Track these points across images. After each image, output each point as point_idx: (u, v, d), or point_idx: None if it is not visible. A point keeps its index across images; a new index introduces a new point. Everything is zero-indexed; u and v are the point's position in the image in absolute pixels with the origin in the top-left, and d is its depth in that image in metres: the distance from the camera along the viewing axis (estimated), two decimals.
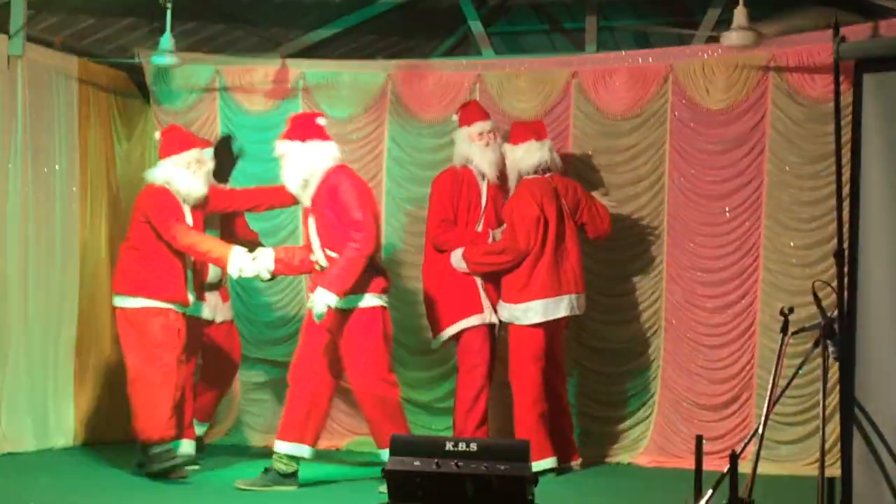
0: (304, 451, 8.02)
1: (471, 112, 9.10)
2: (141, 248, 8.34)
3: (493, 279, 8.85)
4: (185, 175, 8.38)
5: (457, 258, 8.86)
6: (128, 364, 8.37)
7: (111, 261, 10.18)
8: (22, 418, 9.31)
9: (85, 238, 9.97)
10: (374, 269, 8.01)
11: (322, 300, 7.78)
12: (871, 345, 5.70)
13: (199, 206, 8.54)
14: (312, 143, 8.10)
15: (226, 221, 9.16)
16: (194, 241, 8.21)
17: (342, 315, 7.90)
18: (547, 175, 8.89)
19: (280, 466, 8.02)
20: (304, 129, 8.16)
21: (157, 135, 8.82)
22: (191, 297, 8.52)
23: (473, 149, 8.95)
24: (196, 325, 8.77)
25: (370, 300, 7.94)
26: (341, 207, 7.90)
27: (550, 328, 8.82)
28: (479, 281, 8.85)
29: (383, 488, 7.81)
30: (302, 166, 8.04)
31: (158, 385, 8.23)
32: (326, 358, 8.00)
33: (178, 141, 8.56)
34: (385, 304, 8.04)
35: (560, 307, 8.78)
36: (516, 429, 8.77)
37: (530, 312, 8.72)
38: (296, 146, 8.09)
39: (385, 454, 7.95)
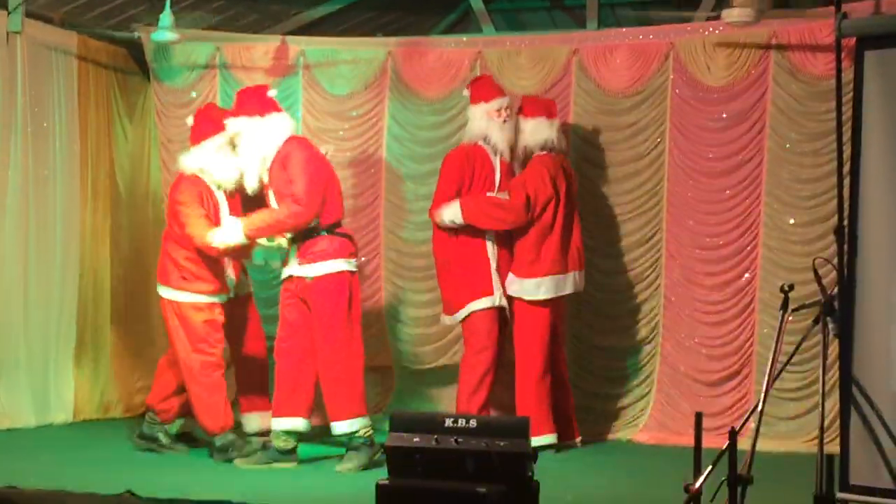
0: (298, 423, 8.04)
1: (487, 88, 8.99)
2: (178, 240, 8.28)
3: (506, 258, 8.82)
4: (218, 160, 8.30)
5: (451, 211, 8.77)
6: (177, 352, 8.34)
7: (112, 238, 10.20)
8: (22, 394, 9.33)
9: (86, 215, 9.97)
10: (341, 235, 8.06)
11: (224, 234, 7.97)
12: (870, 322, 5.71)
13: (239, 189, 8.45)
14: (271, 116, 8.10)
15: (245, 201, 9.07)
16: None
17: (310, 283, 7.94)
18: (553, 154, 8.89)
19: (278, 443, 8.03)
20: (260, 103, 8.13)
21: (190, 120, 8.63)
22: (231, 285, 8.47)
23: (492, 126, 8.85)
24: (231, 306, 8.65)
25: (337, 265, 7.97)
26: (287, 178, 7.92)
27: (557, 305, 8.85)
28: (492, 262, 8.81)
29: (340, 467, 7.87)
30: (264, 141, 8.03)
31: (207, 376, 8.23)
32: (306, 329, 8.02)
33: (207, 125, 8.39)
34: (353, 269, 8.06)
35: (567, 284, 8.83)
36: (518, 405, 8.78)
37: (542, 287, 8.73)
38: (255, 122, 8.07)
39: (336, 427, 7.96)
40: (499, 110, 8.86)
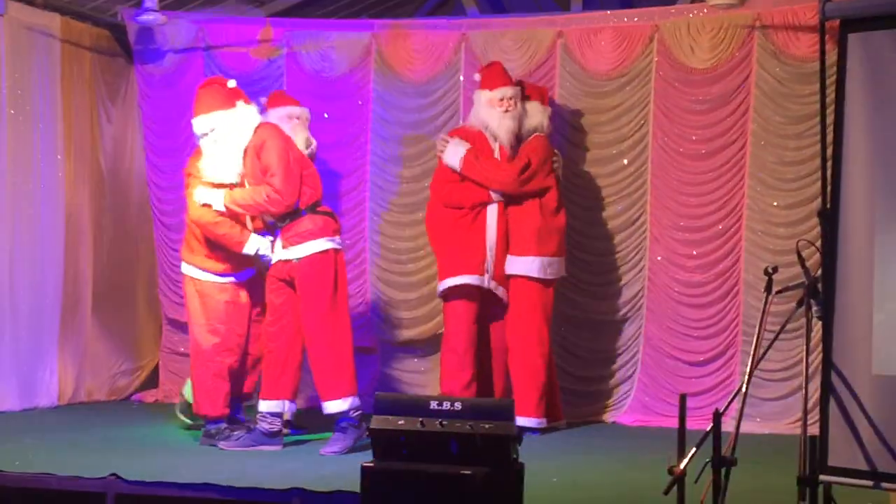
0: (284, 406, 8.05)
1: (493, 75, 8.93)
2: None
3: (504, 241, 8.82)
4: (229, 120, 8.11)
5: (456, 151, 8.78)
6: (192, 330, 8.32)
7: (95, 221, 10.16)
8: (7, 378, 9.31)
9: (70, 198, 9.92)
10: (322, 213, 8.04)
11: (208, 195, 7.97)
12: (852, 304, 5.72)
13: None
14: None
15: None
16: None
17: (297, 263, 7.93)
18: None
19: (264, 426, 8.03)
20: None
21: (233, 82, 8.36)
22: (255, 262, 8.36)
23: (493, 114, 8.83)
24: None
25: (322, 244, 7.95)
26: (263, 166, 7.90)
27: (554, 286, 8.91)
28: (489, 242, 8.80)
29: (325, 449, 7.84)
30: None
31: (217, 362, 8.19)
32: (292, 313, 8.01)
33: (218, 95, 8.21)
34: (337, 247, 8.05)
35: (563, 267, 8.89)
36: (517, 387, 8.79)
37: (550, 269, 8.80)
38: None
39: (328, 406, 7.93)
40: (501, 100, 8.82)
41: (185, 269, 8.35)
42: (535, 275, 8.77)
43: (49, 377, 9.70)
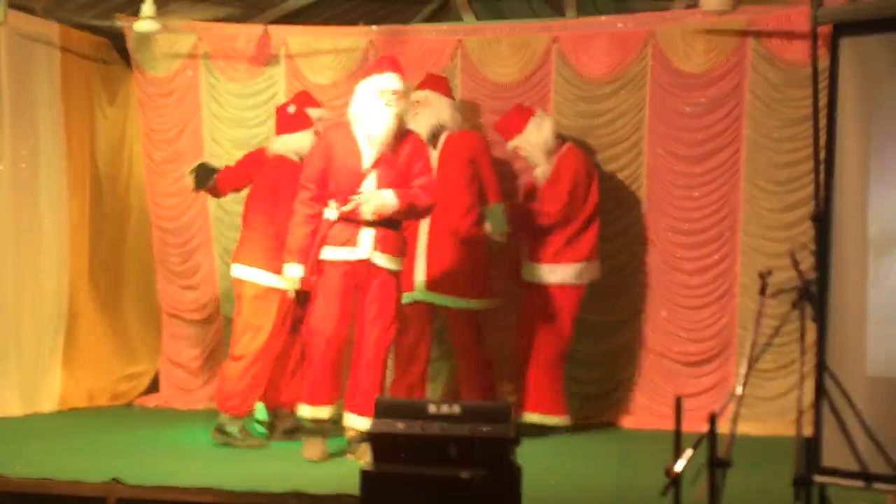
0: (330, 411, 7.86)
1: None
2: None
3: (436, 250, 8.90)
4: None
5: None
6: (236, 335, 8.31)
7: (94, 226, 10.19)
8: (10, 384, 9.34)
9: (70, 206, 9.95)
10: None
11: (379, 198, 7.56)
12: (846, 305, 5.77)
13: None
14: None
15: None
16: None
17: (389, 277, 7.71)
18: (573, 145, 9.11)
19: (308, 426, 7.86)
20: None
21: (293, 108, 8.56)
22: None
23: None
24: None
25: (402, 263, 7.86)
26: (410, 167, 7.70)
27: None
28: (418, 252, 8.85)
29: (358, 456, 7.81)
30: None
31: (257, 365, 8.21)
32: (348, 317, 7.72)
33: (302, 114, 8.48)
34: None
35: (590, 272, 9.06)
36: (532, 386, 8.89)
37: (562, 274, 8.95)
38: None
39: (357, 421, 7.71)
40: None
41: (242, 272, 8.31)
42: (568, 281, 8.99)
43: (51, 382, 9.73)
